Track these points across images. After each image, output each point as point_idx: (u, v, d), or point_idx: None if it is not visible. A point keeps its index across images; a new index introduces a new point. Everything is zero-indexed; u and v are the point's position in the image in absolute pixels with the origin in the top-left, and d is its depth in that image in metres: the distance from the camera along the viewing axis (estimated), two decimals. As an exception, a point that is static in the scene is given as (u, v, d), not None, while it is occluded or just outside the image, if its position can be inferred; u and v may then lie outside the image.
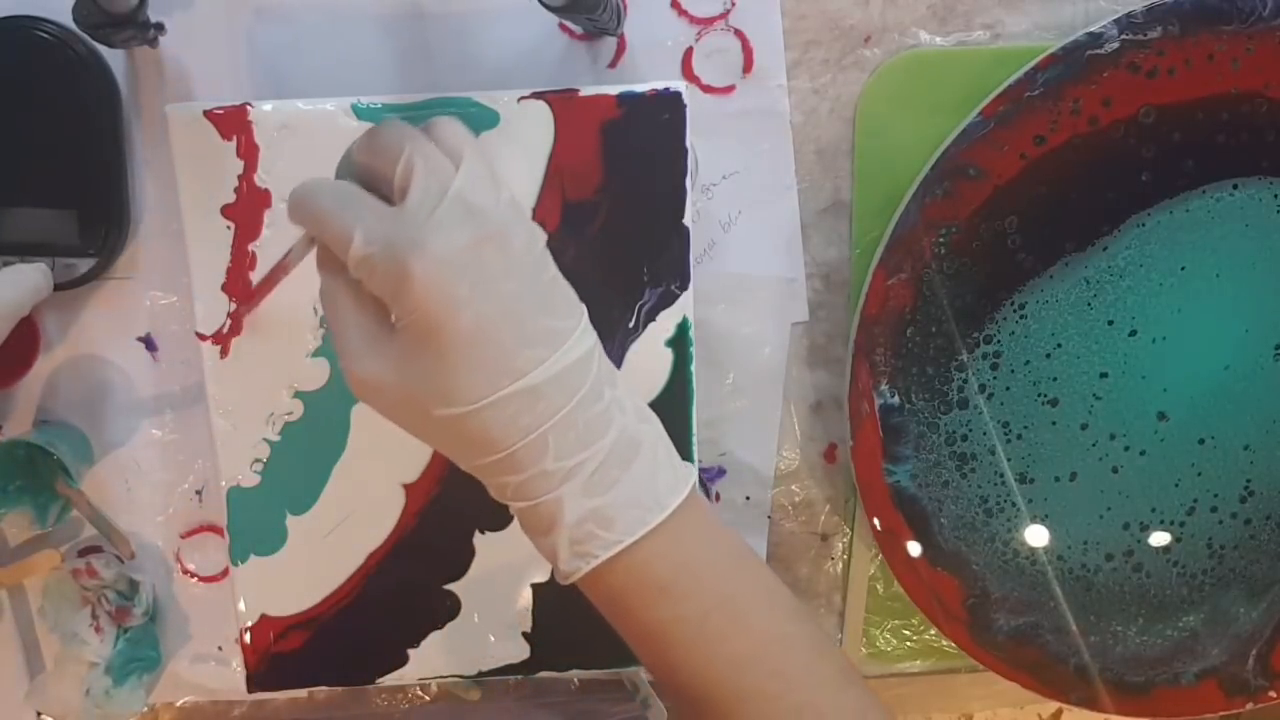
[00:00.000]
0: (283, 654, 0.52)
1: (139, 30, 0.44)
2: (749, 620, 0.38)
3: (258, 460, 0.50)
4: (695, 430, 0.50)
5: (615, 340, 0.49)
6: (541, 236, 0.36)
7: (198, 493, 0.54)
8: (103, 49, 0.47)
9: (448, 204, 0.33)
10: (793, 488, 0.56)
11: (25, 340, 0.50)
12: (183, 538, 0.54)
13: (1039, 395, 0.53)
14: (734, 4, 0.49)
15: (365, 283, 0.34)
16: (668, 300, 0.49)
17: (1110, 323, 0.53)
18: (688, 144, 0.47)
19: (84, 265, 0.49)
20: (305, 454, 0.50)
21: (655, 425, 0.38)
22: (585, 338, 0.36)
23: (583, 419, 0.35)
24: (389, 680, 0.53)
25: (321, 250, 0.36)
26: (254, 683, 0.52)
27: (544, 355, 0.34)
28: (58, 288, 0.48)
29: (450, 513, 0.51)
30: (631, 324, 0.49)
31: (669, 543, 0.37)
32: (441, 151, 0.34)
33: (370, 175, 0.35)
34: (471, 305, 0.33)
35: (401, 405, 0.35)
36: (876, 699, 0.39)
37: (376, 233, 0.33)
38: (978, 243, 0.51)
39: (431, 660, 0.53)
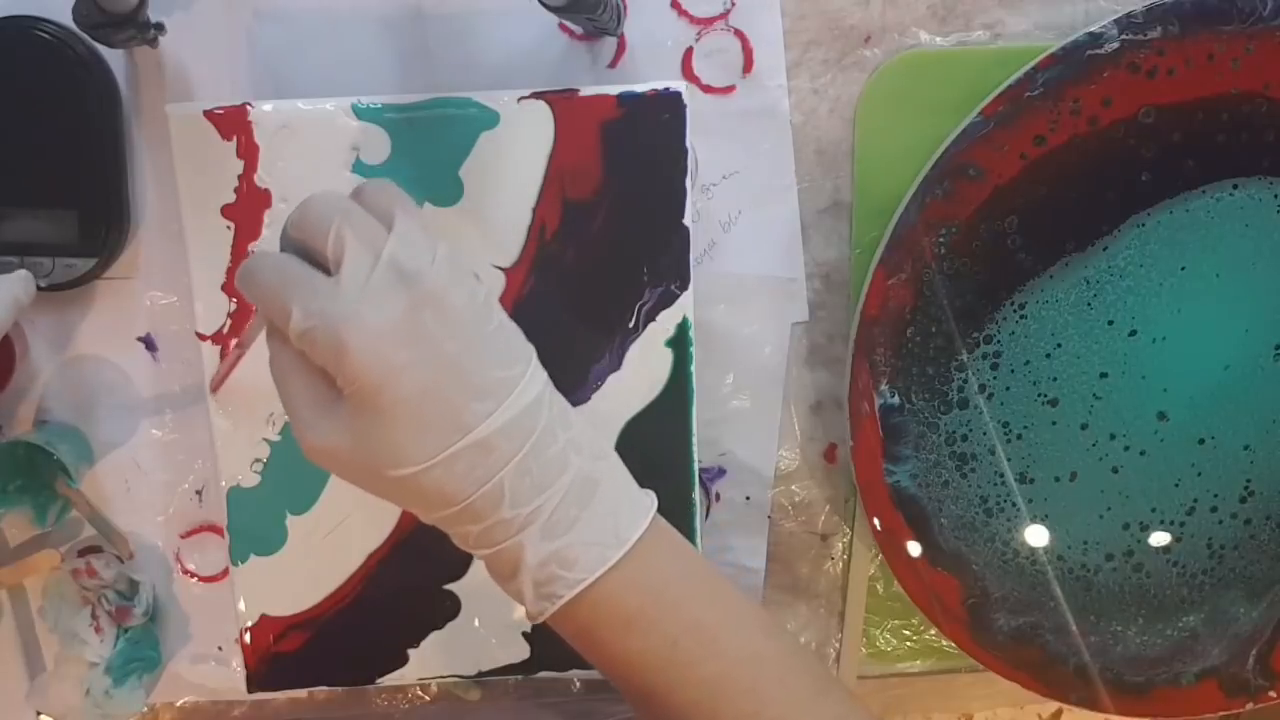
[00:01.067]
0: (283, 654, 0.52)
1: (139, 30, 0.44)
2: (718, 642, 0.38)
3: (258, 460, 0.50)
4: (695, 430, 0.50)
5: (615, 340, 0.49)
6: (483, 287, 0.36)
7: (198, 493, 0.53)
8: (103, 49, 0.47)
9: (379, 273, 0.33)
10: (793, 488, 0.56)
11: (2, 355, 0.50)
12: (183, 538, 0.54)
13: (1039, 395, 0.53)
14: (734, 4, 0.49)
15: (308, 354, 0.34)
16: (668, 300, 0.49)
17: (1110, 323, 0.53)
18: (688, 144, 0.47)
19: (84, 265, 0.48)
20: (305, 454, 0.50)
21: (612, 460, 0.38)
22: (534, 382, 0.36)
23: (537, 464, 0.35)
24: (389, 680, 0.53)
25: (269, 323, 0.36)
26: (254, 683, 0.52)
27: (491, 407, 0.34)
28: (58, 288, 0.49)
29: (450, 513, 0.51)
30: (631, 324, 0.49)
31: (633, 574, 0.37)
32: (373, 217, 0.34)
33: (307, 248, 0.35)
34: (411, 370, 0.33)
35: (355, 469, 0.35)
36: (856, 705, 0.39)
37: (313, 307, 0.33)
38: (978, 243, 0.51)
39: (431, 660, 0.53)
